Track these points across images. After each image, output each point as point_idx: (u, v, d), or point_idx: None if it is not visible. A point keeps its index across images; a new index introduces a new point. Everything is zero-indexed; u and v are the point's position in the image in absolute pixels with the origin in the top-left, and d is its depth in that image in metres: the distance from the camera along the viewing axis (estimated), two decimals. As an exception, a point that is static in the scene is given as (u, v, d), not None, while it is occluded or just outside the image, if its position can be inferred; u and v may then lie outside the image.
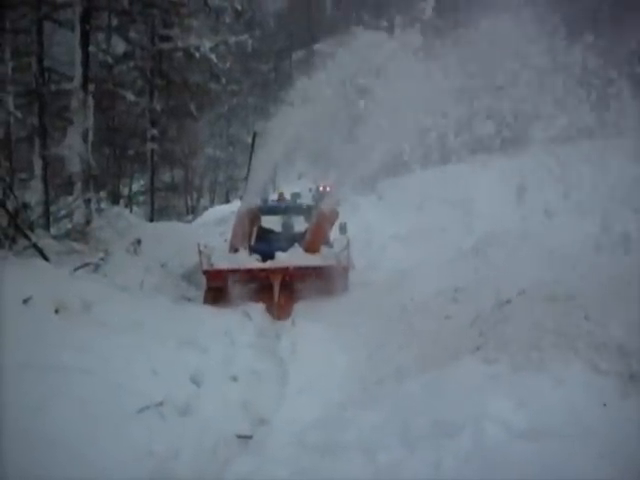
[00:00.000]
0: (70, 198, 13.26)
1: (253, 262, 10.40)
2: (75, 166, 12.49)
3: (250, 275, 10.12)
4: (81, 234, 12.28)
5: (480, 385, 4.51)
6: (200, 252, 10.07)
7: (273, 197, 14.94)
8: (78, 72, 12.64)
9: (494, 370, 4.68)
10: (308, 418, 5.21)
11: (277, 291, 9.78)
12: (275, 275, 9.90)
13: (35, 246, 9.04)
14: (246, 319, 8.89)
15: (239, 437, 5.12)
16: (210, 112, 28.41)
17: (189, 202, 36.42)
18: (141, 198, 25.11)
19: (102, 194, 17.84)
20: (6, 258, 7.80)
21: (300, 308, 9.60)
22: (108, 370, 5.45)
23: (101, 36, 17.49)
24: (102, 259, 10.74)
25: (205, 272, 10.14)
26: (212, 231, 18.07)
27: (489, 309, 6.25)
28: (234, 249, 10.94)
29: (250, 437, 5.14)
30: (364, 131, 10.33)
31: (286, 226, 13.59)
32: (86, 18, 12.84)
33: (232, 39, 19.80)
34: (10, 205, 9.08)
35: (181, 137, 22.00)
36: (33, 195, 11.95)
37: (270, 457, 4.58)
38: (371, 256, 13.76)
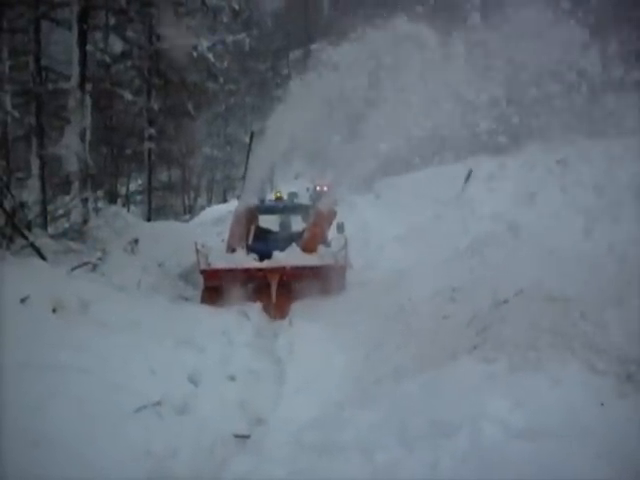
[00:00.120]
0: (67, 197, 13.26)
1: (250, 262, 10.40)
2: (72, 165, 12.48)
3: (247, 275, 10.11)
4: (78, 233, 12.29)
5: (477, 385, 4.51)
6: (197, 251, 10.07)
7: (270, 197, 14.96)
8: (75, 71, 12.62)
9: (491, 370, 4.68)
10: (305, 418, 5.21)
11: (274, 291, 9.79)
12: (272, 275, 9.90)
13: (32, 245, 9.04)
14: (244, 318, 8.90)
15: (237, 437, 5.12)
16: (207, 111, 28.43)
17: (186, 201, 36.43)
18: (138, 197, 25.12)
19: (99, 193, 17.84)
20: (3, 257, 7.81)
21: (297, 308, 9.60)
22: (106, 369, 5.45)
23: (99, 35, 17.50)
24: (99, 258, 10.73)
25: (202, 271, 10.14)
26: (209, 231, 18.07)
27: (486, 309, 6.25)
28: (231, 249, 10.93)
29: (248, 437, 5.14)
30: (362, 131, 10.33)
31: (283, 226, 13.60)
32: (84, 17, 12.82)
33: (229, 38, 19.87)
34: (7, 204, 9.10)
35: (178, 136, 22.02)
36: (30, 194, 11.95)
37: (268, 457, 4.58)
38: (368, 255, 13.77)
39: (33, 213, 10.98)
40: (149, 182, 20.68)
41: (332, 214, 11.40)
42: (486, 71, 8.76)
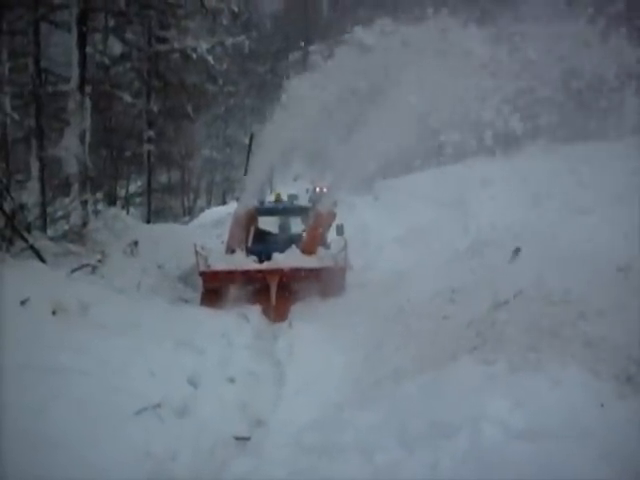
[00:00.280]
0: (67, 199, 13.24)
1: (250, 263, 10.38)
2: (72, 167, 12.48)
3: (247, 276, 10.10)
4: (78, 236, 12.27)
5: (477, 386, 4.52)
6: (197, 253, 10.07)
7: (270, 198, 14.95)
8: (75, 73, 12.63)
9: (491, 371, 4.69)
10: (305, 419, 5.22)
11: (274, 292, 9.77)
12: (272, 276, 9.89)
13: (32, 247, 9.04)
14: (243, 321, 8.90)
15: (237, 439, 5.12)
16: (207, 113, 28.44)
17: (186, 203, 36.43)
18: (138, 199, 25.12)
19: (99, 195, 17.82)
20: (3, 260, 7.80)
21: (297, 309, 9.60)
22: (106, 372, 5.46)
23: (98, 37, 17.48)
24: (99, 261, 10.72)
25: (202, 273, 10.14)
26: (209, 233, 18.08)
27: (486, 310, 6.26)
28: (231, 250, 10.93)
29: (248, 439, 5.14)
30: (361, 132, 10.34)
31: (283, 227, 13.59)
32: (83, 19, 12.82)
33: (229, 40, 19.85)
34: (7, 206, 9.09)
35: (178, 138, 22.04)
36: (30, 196, 11.92)
37: (268, 458, 4.59)
38: (368, 257, 13.78)
39: (33, 215, 10.97)
40: (148, 184, 20.70)
41: (331, 216, 11.40)
42: (488, 72, 8.77)
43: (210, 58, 18.29)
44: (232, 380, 6.55)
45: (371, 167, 11.06)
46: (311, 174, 36.15)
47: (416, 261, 10.78)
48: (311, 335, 8.04)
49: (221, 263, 10.33)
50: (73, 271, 9.24)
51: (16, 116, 12.82)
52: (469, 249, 9.75)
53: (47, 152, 13.23)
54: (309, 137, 11.57)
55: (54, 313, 6.36)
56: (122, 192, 24.85)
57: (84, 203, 12.97)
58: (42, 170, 13.02)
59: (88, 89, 13.18)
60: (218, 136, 42.15)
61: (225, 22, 19.80)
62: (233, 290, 10.21)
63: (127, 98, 16.62)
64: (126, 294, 9.23)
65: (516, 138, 8.38)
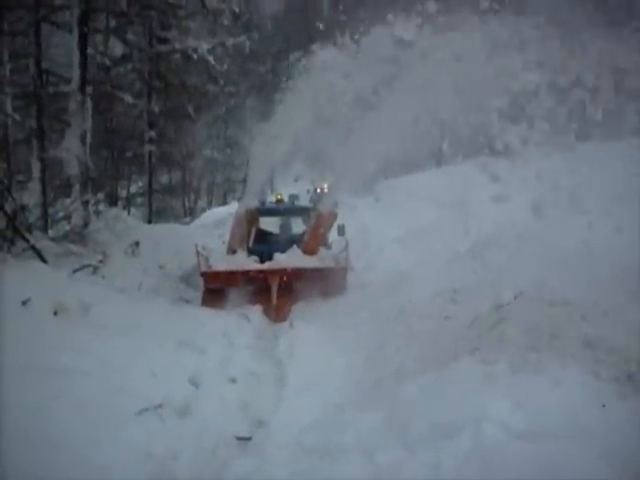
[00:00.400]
0: (68, 200, 13.27)
1: (251, 264, 10.38)
2: (73, 168, 12.50)
3: (248, 277, 10.09)
4: (79, 236, 12.29)
5: (478, 386, 4.52)
6: (198, 254, 10.07)
7: (271, 199, 14.95)
8: (76, 74, 12.65)
9: (492, 371, 4.69)
10: (307, 420, 5.22)
11: (275, 293, 9.76)
12: (273, 276, 9.88)
13: (33, 248, 9.05)
14: (244, 321, 8.90)
15: (238, 439, 5.12)
16: (208, 114, 28.41)
17: (187, 204, 36.41)
18: (139, 200, 25.11)
19: (100, 196, 17.86)
20: (5, 260, 7.80)
21: (298, 310, 9.60)
22: (107, 372, 5.47)
23: (99, 38, 17.49)
24: (100, 261, 10.74)
25: (203, 274, 10.14)
26: (210, 233, 18.06)
27: (487, 311, 6.26)
28: (232, 251, 10.94)
29: (249, 439, 5.14)
30: (361, 133, 10.34)
31: (284, 228, 13.60)
32: (84, 20, 12.85)
33: (230, 41, 19.85)
34: (8, 207, 9.10)
35: (179, 139, 22.02)
36: (31, 197, 11.96)
37: (269, 459, 4.59)
38: (369, 257, 13.78)
39: (34, 216, 11.00)
40: (149, 185, 20.70)
41: (333, 216, 11.40)
42: (489, 72, 8.78)
43: (211, 59, 18.30)
44: (233, 380, 6.55)
45: (372, 168, 11.06)
46: (312, 175, 36.15)
47: (417, 262, 10.78)
48: (312, 335, 8.04)
49: (222, 263, 10.33)
50: (74, 271, 9.25)
51: (17, 117, 12.84)
52: (470, 250, 9.75)
53: (48, 153, 13.25)
54: (310, 138, 11.57)
55: (55, 313, 6.35)
56: (123, 193, 24.85)
57: (85, 204, 13.00)
58: (43, 171, 13.05)
59: (89, 90, 13.20)
60: (219, 137, 42.13)
61: (226, 22, 19.82)
62: (234, 290, 10.22)
63: (128, 99, 16.63)
64: (127, 294, 9.23)
65: (517, 139, 8.37)
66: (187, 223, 28.16)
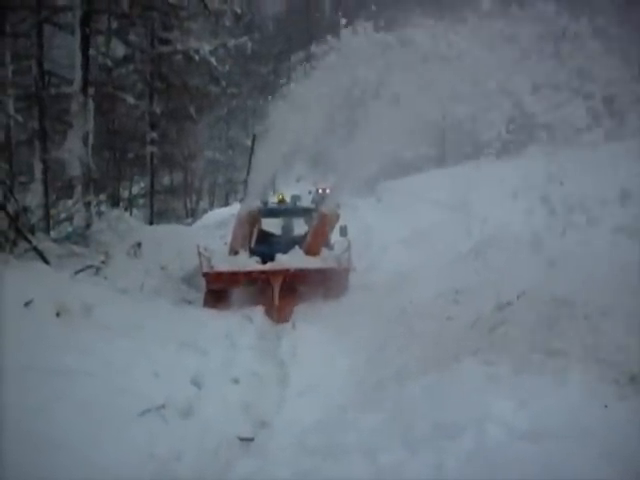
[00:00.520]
0: (70, 201, 13.29)
1: (253, 264, 10.38)
2: (75, 169, 12.50)
3: (250, 277, 10.08)
4: (81, 237, 12.30)
5: (481, 387, 4.53)
6: (200, 254, 10.07)
7: (273, 200, 14.95)
8: (78, 75, 12.66)
9: (495, 372, 4.70)
10: (309, 420, 5.23)
11: (277, 293, 9.74)
12: (275, 277, 9.86)
13: (36, 249, 9.06)
14: (246, 321, 8.90)
15: (241, 440, 5.13)
16: (209, 115, 28.44)
17: (188, 205, 36.41)
18: (141, 201, 25.11)
19: (102, 197, 17.86)
20: (7, 261, 7.81)
21: (300, 310, 9.59)
22: (110, 373, 5.48)
23: (101, 39, 17.49)
24: (103, 262, 10.74)
25: (205, 274, 10.13)
26: (212, 234, 18.08)
27: (490, 311, 6.26)
28: (234, 252, 10.93)
29: (252, 439, 5.15)
30: (363, 134, 10.34)
31: (286, 228, 13.60)
32: (86, 21, 12.85)
33: (231, 42, 19.87)
34: (11, 208, 9.11)
35: (180, 140, 22.01)
36: (33, 198, 11.97)
37: (272, 459, 4.60)
38: (371, 258, 13.77)
39: (36, 217, 11.01)
40: (151, 186, 20.71)
41: (335, 217, 11.40)
42: (489, 73, 8.76)
43: (213, 60, 18.32)
44: (236, 381, 6.55)
45: (374, 169, 11.06)
46: (314, 175, 36.16)
47: (419, 262, 10.78)
48: (314, 336, 8.05)
49: (224, 264, 10.33)
50: (77, 272, 9.26)
51: (19, 118, 12.85)
52: (472, 250, 9.75)
53: (50, 154, 13.26)
54: (312, 138, 11.56)
55: (58, 314, 6.36)
56: (125, 194, 24.86)
57: (87, 205, 13.00)
58: (45, 172, 13.06)
59: (91, 91, 13.19)
60: (221, 138, 42.19)
61: (228, 23, 19.79)
62: (236, 291, 10.22)
63: (130, 100, 16.63)
64: (129, 295, 9.24)
65: (519, 140, 8.36)
66: (189, 224, 28.17)
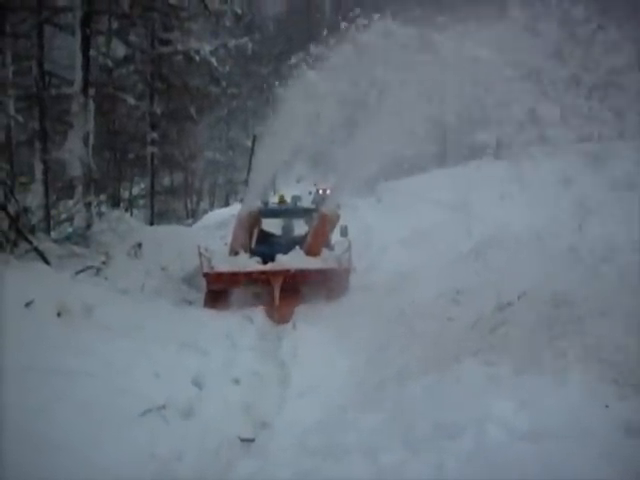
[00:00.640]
0: (71, 202, 13.28)
1: (253, 265, 10.37)
2: (76, 170, 12.50)
3: (250, 278, 10.07)
4: (82, 238, 12.29)
5: (481, 387, 4.53)
6: (201, 255, 10.07)
7: (273, 200, 14.95)
8: (78, 76, 12.66)
9: (495, 372, 4.70)
10: (310, 421, 5.23)
11: (277, 294, 9.73)
12: (276, 278, 9.85)
13: (36, 250, 9.05)
14: (247, 322, 8.90)
15: (242, 440, 5.13)
16: (210, 115, 28.45)
17: (189, 205, 36.44)
18: (141, 201, 25.12)
19: (103, 198, 17.84)
20: (8, 262, 7.80)
21: (301, 311, 9.59)
22: (110, 373, 5.48)
23: (101, 40, 17.50)
24: (103, 263, 10.74)
25: (205, 275, 10.13)
26: (212, 234, 18.08)
27: (490, 311, 6.27)
28: (234, 252, 10.93)
29: (252, 440, 5.15)
30: (363, 134, 10.34)
31: (287, 229, 13.59)
32: (86, 22, 12.85)
33: (232, 42, 19.89)
34: (11, 209, 9.10)
35: (181, 140, 22.02)
36: (34, 199, 11.97)
37: (272, 459, 4.60)
38: (371, 258, 13.77)
39: (37, 217, 11.00)
40: (152, 186, 20.71)
41: (335, 217, 11.40)
42: (485, 75, 8.78)
43: (213, 60, 18.32)
44: (237, 381, 6.56)
45: (374, 169, 11.06)
46: (314, 176, 36.18)
47: (420, 262, 10.78)
48: (315, 337, 8.04)
49: (225, 264, 10.32)
50: (77, 273, 9.26)
51: (20, 119, 12.84)
52: (472, 251, 9.76)
53: (51, 154, 13.27)
54: (312, 139, 11.57)
55: (59, 315, 6.36)
56: (126, 194, 24.87)
57: (88, 205, 13.00)
58: (46, 172, 13.06)
59: (91, 92, 13.19)
60: (221, 138, 42.20)
61: (228, 24, 19.82)
62: (237, 292, 10.22)
63: (130, 100, 16.63)
64: (130, 296, 9.25)
65: (519, 140, 8.38)
66: (189, 225, 28.18)
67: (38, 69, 13.22)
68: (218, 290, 10.20)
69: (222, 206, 39.47)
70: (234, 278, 10.13)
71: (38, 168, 12.95)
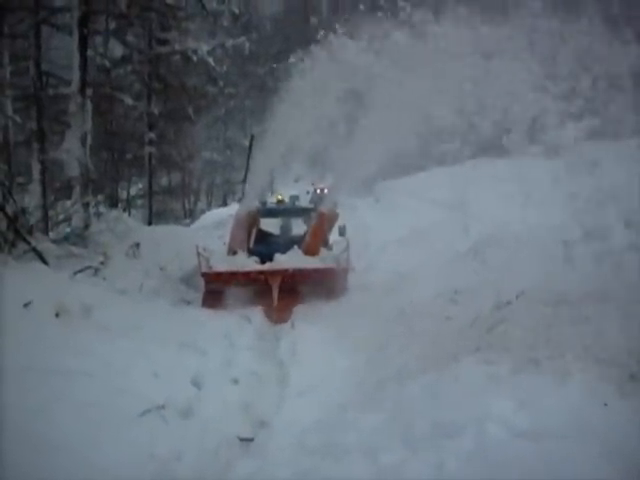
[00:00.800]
0: (69, 202, 13.27)
1: (252, 265, 10.37)
2: (73, 170, 12.49)
3: (249, 278, 10.06)
4: (80, 238, 12.28)
5: (481, 386, 4.53)
6: (199, 255, 10.06)
7: (271, 200, 14.96)
8: (76, 76, 12.64)
9: (495, 371, 4.70)
10: (309, 420, 5.22)
11: (276, 294, 9.73)
12: (274, 277, 9.84)
13: (34, 250, 9.04)
14: (245, 322, 8.90)
15: (241, 440, 5.13)
16: (207, 115, 28.47)
17: (187, 205, 36.46)
18: (139, 202, 25.14)
19: (100, 198, 17.84)
20: (6, 262, 7.80)
21: (299, 310, 9.58)
22: (109, 373, 5.48)
23: (99, 40, 17.51)
24: (101, 263, 10.73)
25: (204, 275, 10.13)
26: (210, 234, 18.08)
27: (489, 310, 6.27)
28: (233, 252, 10.92)
29: (252, 439, 5.15)
30: (361, 134, 10.35)
31: (285, 228, 13.60)
32: (84, 22, 12.83)
33: (229, 42, 19.89)
34: (9, 209, 9.09)
35: (179, 140, 22.04)
36: (32, 199, 11.95)
37: (271, 459, 4.59)
38: (369, 258, 13.77)
39: (35, 218, 10.97)
40: (150, 186, 20.73)
41: (334, 217, 11.40)
42: (487, 72, 8.78)
43: (211, 60, 18.33)
44: (235, 381, 6.56)
45: (372, 168, 11.06)
46: (312, 175, 36.20)
47: (418, 262, 10.78)
48: (314, 336, 8.04)
49: (223, 264, 10.31)
50: (76, 273, 9.25)
51: (18, 119, 12.84)
52: (471, 250, 9.76)
53: (48, 155, 13.25)
54: (309, 138, 11.56)
55: (57, 315, 6.36)
56: (123, 194, 24.88)
57: (86, 205, 12.99)
58: (43, 173, 13.05)
59: (89, 92, 13.18)
60: (218, 138, 42.23)
61: (225, 24, 19.85)
62: (235, 291, 10.21)
63: (128, 100, 16.64)
64: (128, 296, 9.25)
65: (518, 139, 8.38)
66: (187, 224, 28.19)
67: (35, 69, 13.20)
68: (216, 290, 10.20)
69: (220, 206, 39.45)
70: (232, 278, 10.12)
71: (36, 168, 12.93)
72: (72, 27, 12.80)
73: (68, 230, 13.06)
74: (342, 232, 12.02)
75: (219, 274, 10.13)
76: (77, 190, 12.69)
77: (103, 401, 4.95)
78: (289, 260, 10.20)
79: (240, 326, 8.64)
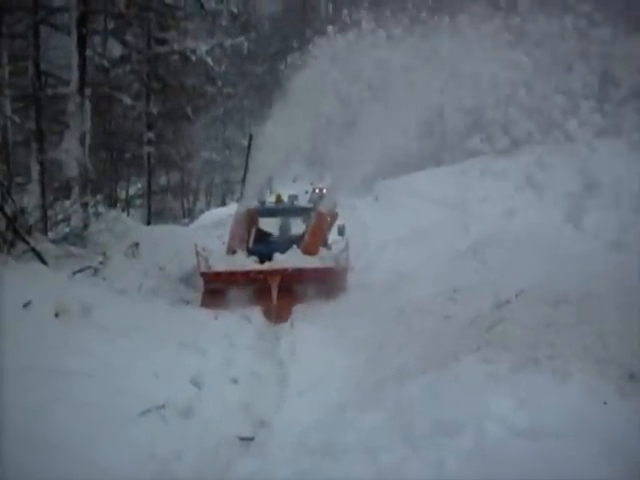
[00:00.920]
0: (68, 202, 13.26)
1: (251, 264, 10.36)
2: (72, 170, 12.49)
3: (248, 277, 10.06)
4: (79, 238, 12.27)
5: (480, 385, 4.52)
6: (198, 254, 10.06)
7: (270, 199, 14.95)
8: (75, 76, 12.64)
9: (494, 370, 4.69)
10: (309, 420, 5.22)
11: (275, 293, 9.72)
12: (273, 277, 9.83)
13: (34, 250, 9.03)
14: (245, 321, 8.90)
15: (241, 439, 5.13)
16: (206, 115, 28.49)
17: (185, 205, 36.47)
18: (138, 201, 25.16)
19: (99, 198, 17.83)
20: (5, 262, 7.79)
21: (299, 310, 9.58)
22: (109, 373, 5.48)
23: (97, 40, 17.51)
24: (101, 263, 10.73)
25: (203, 274, 10.13)
26: (209, 234, 18.08)
27: (488, 309, 6.27)
28: (232, 251, 10.92)
29: (252, 439, 5.15)
30: (360, 133, 10.35)
31: (284, 228, 13.59)
32: (83, 22, 12.83)
33: (228, 42, 19.90)
34: (8, 209, 9.08)
35: (177, 140, 22.05)
36: (31, 199, 11.94)
37: (271, 459, 4.59)
38: (369, 257, 13.78)
39: (34, 218, 10.96)
40: (148, 186, 20.73)
41: (333, 216, 11.40)
42: (484, 72, 8.78)
43: (209, 60, 18.33)
44: (235, 381, 6.56)
45: (371, 167, 11.06)
46: (311, 175, 36.18)
47: (418, 261, 10.79)
48: (313, 335, 8.04)
49: (222, 264, 10.31)
50: (75, 273, 9.26)
51: (16, 119, 12.84)
52: (470, 249, 9.76)
53: (47, 155, 13.25)
54: (308, 137, 11.56)
55: (56, 315, 6.35)
56: (122, 194, 24.91)
57: (85, 205, 12.99)
58: (42, 173, 13.04)
59: (88, 92, 13.18)
60: (217, 138, 42.25)
61: (224, 23, 19.85)
62: (234, 291, 10.21)
63: (127, 100, 16.65)
64: (128, 296, 9.25)
65: (517, 138, 8.37)
66: (186, 224, 28.19)
67: (34, 69, 13.20)
68: (215, 289, 10.19)
69: (219, 205, 39.50)
70: (231, 277, 10.12)
71: (35, 168, 12.93)
72: (71, 27, 12.79)
73: (67, 230, 13.05)
74: (341, 232, 12.01)
75: (218, 274, 10.13)
76: (76, 190, 12.69)
77: (103, 401, 4.95)
78: (288, 260, 10.19)
79: (240, 326, 8.65)
